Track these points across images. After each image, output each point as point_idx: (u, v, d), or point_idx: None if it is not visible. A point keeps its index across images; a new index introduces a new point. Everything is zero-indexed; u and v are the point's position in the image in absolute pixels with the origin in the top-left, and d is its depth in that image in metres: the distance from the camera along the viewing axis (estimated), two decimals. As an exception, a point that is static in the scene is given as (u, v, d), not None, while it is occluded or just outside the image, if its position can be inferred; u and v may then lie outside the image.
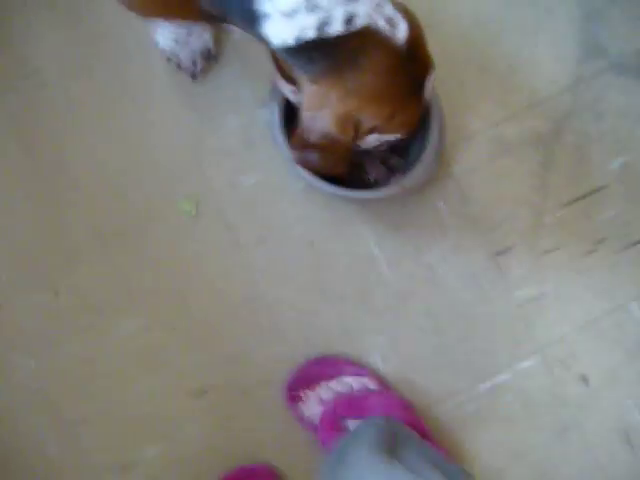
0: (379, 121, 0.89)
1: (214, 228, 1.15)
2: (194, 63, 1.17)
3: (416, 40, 0.86)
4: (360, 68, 0.83)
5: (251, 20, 0.83)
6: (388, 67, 0.84)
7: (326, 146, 0.92)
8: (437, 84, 1.02)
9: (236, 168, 1.16)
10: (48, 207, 1.13)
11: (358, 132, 0.90)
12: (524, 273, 1.18)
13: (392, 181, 1.10)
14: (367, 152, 1.02)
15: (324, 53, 0.83)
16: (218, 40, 1.17)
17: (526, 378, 1.17)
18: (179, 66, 1.17)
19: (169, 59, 1.16)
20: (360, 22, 0.80)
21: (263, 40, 0.85)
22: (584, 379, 1.18)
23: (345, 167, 0.99)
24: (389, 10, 0.83)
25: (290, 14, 0.80)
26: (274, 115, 1.06)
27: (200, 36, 1.15)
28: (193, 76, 1.18)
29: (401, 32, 0.83)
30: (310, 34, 0.80)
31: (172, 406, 1.13)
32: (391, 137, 0.96)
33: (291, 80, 0.96)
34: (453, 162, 1.18)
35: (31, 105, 1.14)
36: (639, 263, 1.20)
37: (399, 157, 1.13)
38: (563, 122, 1.20)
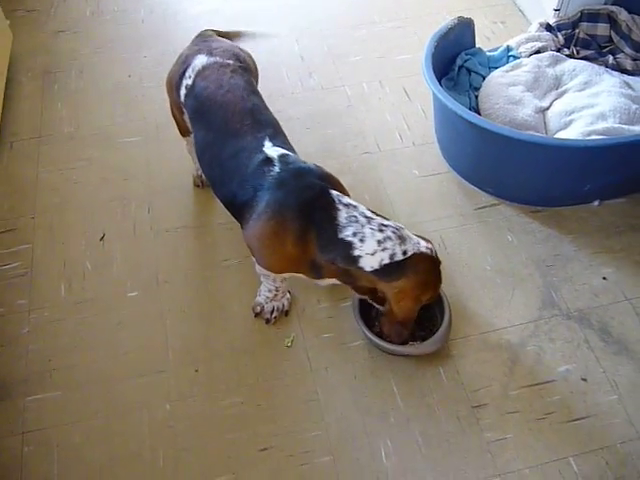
0: (429, 295, 1.69)
1: (298, 355, 1.88)
2: (271, 314, 1.95)
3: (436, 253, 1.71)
4: (417, 272, 1.64)
5: (350, 260, 1.60)
6: (431, 269, 1.67)
7: (408, 320, 1.71)
8: (453, 301, 1.89)
9: (319, 328, 1.94)
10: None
11: (421, 304, 1.69)
12: (492, 422, 1.75)
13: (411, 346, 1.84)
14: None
15: (397, 268, 1.63)
16: (292, 303, 1.98)
17: (488, 492, 1.65)
18: (259, 313, 1.95)
19: (255, 307, 1.95)
20: (410, 252, 1.63)
21: (358, 269, 1.59)
22: (531, 503, 1.63)
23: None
24: (424, 242, 1.67)
25: (373, 254, 1.61)
26: (355, 308, 1.89)
27: (282, 297, 1.95)
28: (267, 321, 1.95)
29: (434, 251, 1.68)
30: (386, 261, 1.61)
31: None
32: None
33: (361, 293, 1.77)
34: (452, 348, 1.88)
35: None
36: (577, 434, 1.73)
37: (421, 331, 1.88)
38: (527, 339, 1.90)
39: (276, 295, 1.92)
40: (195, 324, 1.96)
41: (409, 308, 1.67)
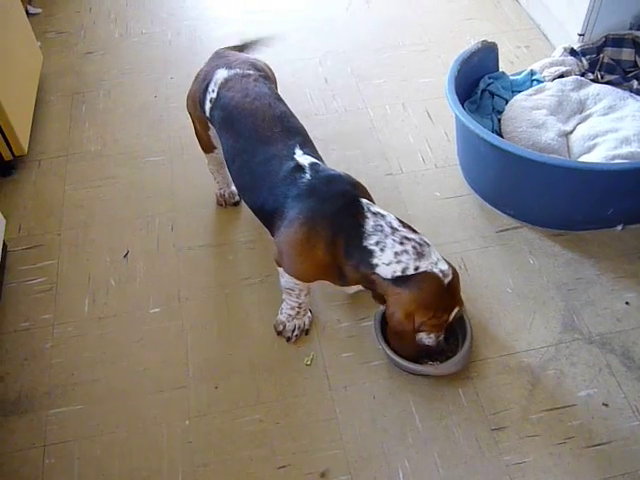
0: (424, 319, 1.68)
1: (317, 373, 1.89)
2: (292, 332, 1.95)
3: (454, 284, 1.70)
4: (419, 289, 1.66)
5: (370, 267, 1.65)
6: (435, 292, 1.67)
7: (401, 333, 1.71)
8: (473, 322, 1.88)
9: (339, 347, 1.94)
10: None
11: (414, 324, 1.68)
12: (511, 445, 1.74)
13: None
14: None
15: (405, 280, 1.66)
16: (313, 323, 2.00)
17: (507, 516, 1.63)
18: (281, 331, 1.95)
19: (277, 325, 1.96)
20: (421, 269, 1.65)
21: (377, 276, 1.63)
22: (551, 529, 1.61)
23: (415, 353, 1.77)
24: (442, 266, 1.68)
25: (388, 264, 1.67)
26: (376, 325, 1.90)
27: (304, 316, 1.95)
28: (288, 340, 1.95)
29: (448, 278, 1.68)
30: (398, 273, 1.66)
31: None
32: (429, 340, 1.74)
33: (379, 300, 1.76)
34: (472, 370, 1.87)
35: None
36: (597, 459, 1.70)
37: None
38: (547, 363, 1.89)
39: (298, 312, 1.93)
40: (215, 341, 1.97)
41: (398, 319, 1.65)
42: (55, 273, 2.16)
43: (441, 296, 1.66)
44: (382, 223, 1.65)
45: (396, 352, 1.82)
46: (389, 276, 1.62)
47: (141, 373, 1.91)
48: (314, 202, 1.67)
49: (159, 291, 2.10)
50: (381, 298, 1.72)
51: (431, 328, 1.70)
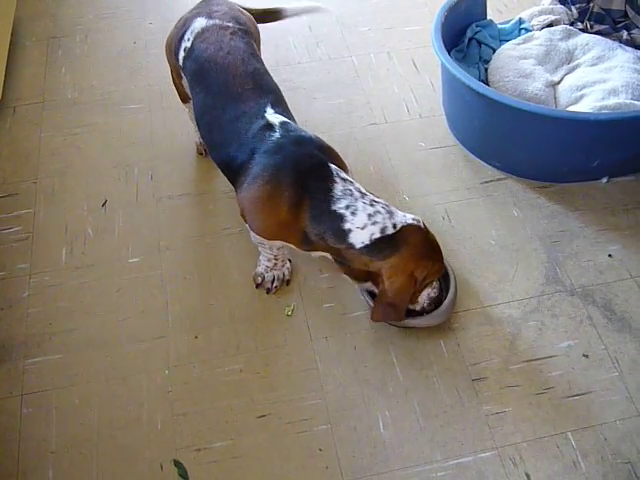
0: (425, 271, 1.66)
1: (298, 324, 1.88)
2: (272, 284, 1.92)
3: (427, 228, 1.70)
4: (408, 244, 1.64)
5: (341, 235, 1.62)
6: (423, 240, 1.66)
7: (398, 300, 1.67)
8: (456, 274, 1.87)
9: (320, 297, 1.93)
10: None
11: (417, 282, 1.66)
12: (491, 395, 1.74)
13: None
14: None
15: (387, 243, 1.64)
16: (293, 272, 1.97)
17: (484, 465, 1.64)
18: (260, 283, 1.92)
19: (255, 277, 1.93)
20: (399, 225, 1.64)
21: (349, 247, 1.60)
22: (527, 477, 1.62)
23: (404, 314, 1.75)
24: (412, 215, 1.67)
25: (363, 228, 1.63)
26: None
27: (282, 267, 1.93)
28: (267, 291, 1.93)
29: (421, 224, 1.67)
30: (377, 235, 1.63)
31: (242, 420, 1.72)
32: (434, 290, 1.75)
33: (355, 277, 1.73)
34: (453, 321, 1.87)
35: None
36: (576, 409, 1.71)
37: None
38: (529, 314, 1.88)
39: (276, 264, 1.91)
40: (195, 291, 1.95)
41: (401, 285, 1.63)
42: (31, 222, 2.11)
43: (428, 242, 1.68)
44: (351, 188, 1.63)
45: (374, 315, 1.76)
46: (367, 241, 1.59)
47: (120, 323, 1.88)
48: (279, 160, 1.63)
49: (138, 241, 2.06)
50: (358, 274, 1.70)
51: (432, 275, 1.71)
